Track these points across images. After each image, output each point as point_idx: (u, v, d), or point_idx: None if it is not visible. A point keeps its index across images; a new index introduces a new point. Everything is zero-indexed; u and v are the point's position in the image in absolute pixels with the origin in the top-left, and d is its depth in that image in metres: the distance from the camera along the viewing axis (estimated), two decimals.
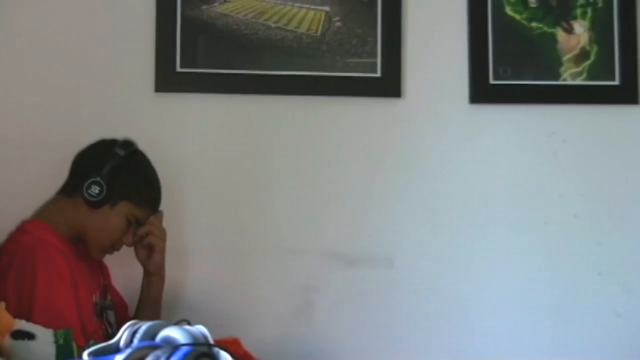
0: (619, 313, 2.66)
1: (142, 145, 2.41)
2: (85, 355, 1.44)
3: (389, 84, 2.73)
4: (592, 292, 2.65)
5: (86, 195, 2.28)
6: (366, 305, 2.70)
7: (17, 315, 1.92)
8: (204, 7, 2.67)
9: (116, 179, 2.32)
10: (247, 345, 2.22)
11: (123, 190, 2.33)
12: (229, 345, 2.02)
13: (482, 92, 2.75)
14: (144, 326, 1.49)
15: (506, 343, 2.69)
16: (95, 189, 2.29)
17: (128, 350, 1.33)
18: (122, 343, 1.48)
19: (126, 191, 2.34)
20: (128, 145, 2.38)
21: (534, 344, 2.66)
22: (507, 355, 2.64)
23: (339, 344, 2.66)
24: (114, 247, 2.39)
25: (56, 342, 1.87)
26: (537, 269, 2.72)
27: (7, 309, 1.92)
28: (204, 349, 1.32)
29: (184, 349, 1.28)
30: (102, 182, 2.29)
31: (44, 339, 1.87)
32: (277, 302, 2.68)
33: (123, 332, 1.49)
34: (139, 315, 2.33)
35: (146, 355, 1.28)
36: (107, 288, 2.43)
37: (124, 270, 2.53)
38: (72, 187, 2.34)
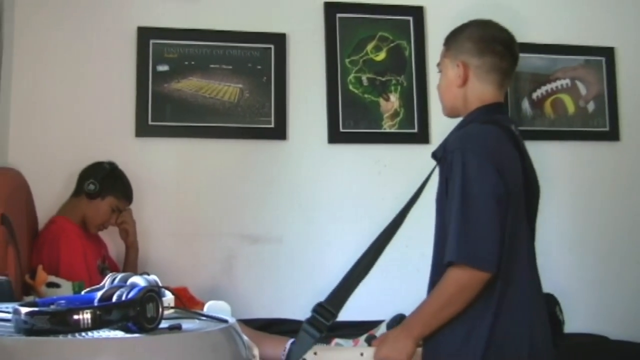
0: (418, 269, 2.38)
1: (125, 169, 2.64)
2: (83, 292, 1.62)
3: (279, 131, 2.92)
4: (401, 257, 2.67)
5: (86, 190, 2.52)
6: (265, 267, 2.87)
7: (49, 273, 2.22)
8: (165, 85, 2.86)
9: (105, 181, 2.55)
10: (193, 291, 2.52)
11: (109, 188, 2.57)
12: (180, 291, 2.33)
13: (336, 136, 2.97)
14: (120, 275, 1.63)
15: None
16: (92, 187, 2.54)
17: (105, 288, 1.39)
18: (106, 286, 1.59)
19: (111, 189, 2.58)
20: (112, 164, 2.62)
21: (369, 294, 2.48)
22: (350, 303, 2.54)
23: (248, 291, 2.82)
24: (104, 226, 2.61)
25: (73, 289, 2.11)
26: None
27: (44, 269, 2.21)
28: (153, 288, 1.34)
29: (139, 287, 1.31)
30: (96, 182, 2.53)
31: (66, 287, 2.12)
32: (210, 265, 2.83)
33: (107, 279, 1.65)
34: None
35: (116, 291, 1.32)
36: (105, 257, 2.63)
37: (117, 246, 2.72)
38: (78, 190, 2.59)
